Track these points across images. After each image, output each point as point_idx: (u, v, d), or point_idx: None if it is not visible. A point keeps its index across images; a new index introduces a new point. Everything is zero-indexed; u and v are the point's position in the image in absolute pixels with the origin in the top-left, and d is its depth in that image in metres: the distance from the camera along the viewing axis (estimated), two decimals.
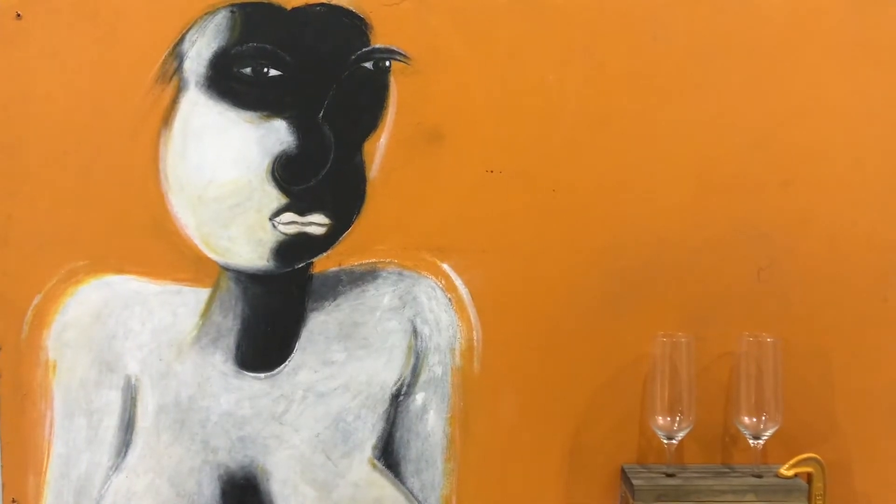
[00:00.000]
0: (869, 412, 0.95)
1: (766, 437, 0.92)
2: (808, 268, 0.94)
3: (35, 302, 0.94)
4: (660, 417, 0.92)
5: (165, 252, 0.94)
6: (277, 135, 0.93)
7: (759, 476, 0.92)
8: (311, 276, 0.94)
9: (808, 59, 0.93)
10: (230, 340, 0.94)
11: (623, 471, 0.94)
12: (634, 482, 0.90)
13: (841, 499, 0.94)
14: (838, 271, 0.94)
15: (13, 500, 0.95)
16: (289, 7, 0.92)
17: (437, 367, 0.95)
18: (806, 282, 0.94)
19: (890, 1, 0.92)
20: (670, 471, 0.92)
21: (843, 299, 0.94)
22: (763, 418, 0.92)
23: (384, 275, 0.95)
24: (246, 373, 0.95)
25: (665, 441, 0.92)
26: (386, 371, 0.95)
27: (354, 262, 0.94)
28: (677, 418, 0.91)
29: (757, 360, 0.92)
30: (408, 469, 0.96)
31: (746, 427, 0.92)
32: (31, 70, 0.92)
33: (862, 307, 0.94)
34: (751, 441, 0.92)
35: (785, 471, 0.92)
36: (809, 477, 0.93)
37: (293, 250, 0.94)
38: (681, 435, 0.91)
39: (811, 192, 0.93)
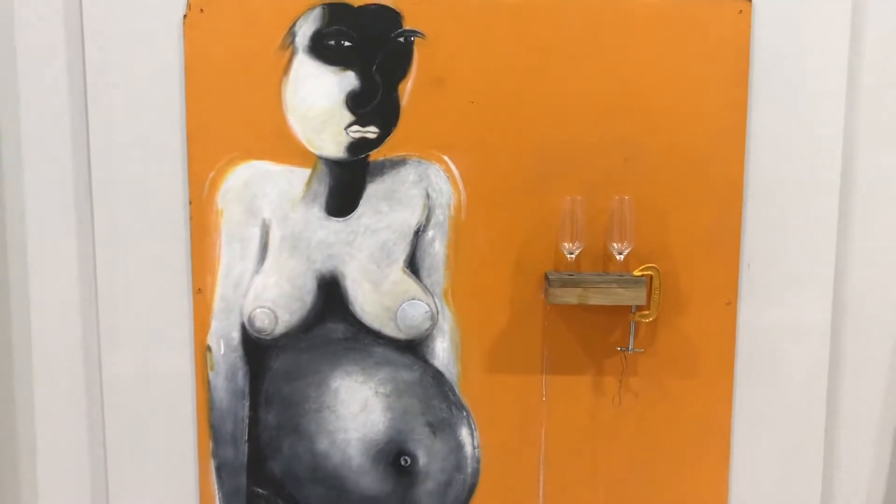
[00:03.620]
0: (687, 242, 1.61)
1: (625, 254, 1.61)
2: (654, 158, 1.59)
3: (210, 176, 1.62)
4: (566, 243, 1.61)
5: (285, 147, 1.61)
6: (349, 80, 1.60)
7: (622, 275, 1.60)
8: (368, 162, 1.62)
9: (661, 39, 1.58)
10: (322, 199, 1.63)
11: (546, 274, 1.63)
12: (550, 277, 1.59)
13: (670, 292, 1.62)
14: (672, 158, 1.58)
15: (199, 290, 1.66)
16: (356, 5, 1.58)
17: (440, 216, 1.64)
18: (652, 165, 1.59)
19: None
20: (570, 273, 1.61)
21: (674, 172, 1.58)
22: (624, 243, 1.60)
23: (410, 162, 1.63)
24: (331, 217, 1.64)
25: (568, 256, 1.61)
26: (411, 218, 1.63)
27: (393, 155, 1.62)
28: (575, 244, 1.60)
29: (620, 210, 1.58)
30: (423, 273, 1.65)
31: (615, 249, 1.61)
32: (210, 44, 1.59)
33: (686, 177, 1.58)
34: (617, 257, 1.61)
35: (636, 273, 1.61)
36: (651, 278, 1.62)
37: (358, 147, 1.62)
38: (577, 253, 1.60)
39: (657, 116, 1.59)
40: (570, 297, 1.57)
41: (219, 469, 1.68)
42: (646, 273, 1.60)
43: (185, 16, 1.59)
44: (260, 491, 1.69)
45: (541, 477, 1.68)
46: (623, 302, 1.57)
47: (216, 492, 1.69)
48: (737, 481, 1.68)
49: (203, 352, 1.66)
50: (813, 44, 1.58)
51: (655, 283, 1.61)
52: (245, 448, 1.68)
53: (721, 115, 1.59)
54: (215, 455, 1.68)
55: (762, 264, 1.63)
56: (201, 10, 1.58)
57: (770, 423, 1.67)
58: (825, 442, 1.67)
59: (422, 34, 1.58)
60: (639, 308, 1.61)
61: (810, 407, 1.66)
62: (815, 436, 1.67)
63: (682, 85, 1.59)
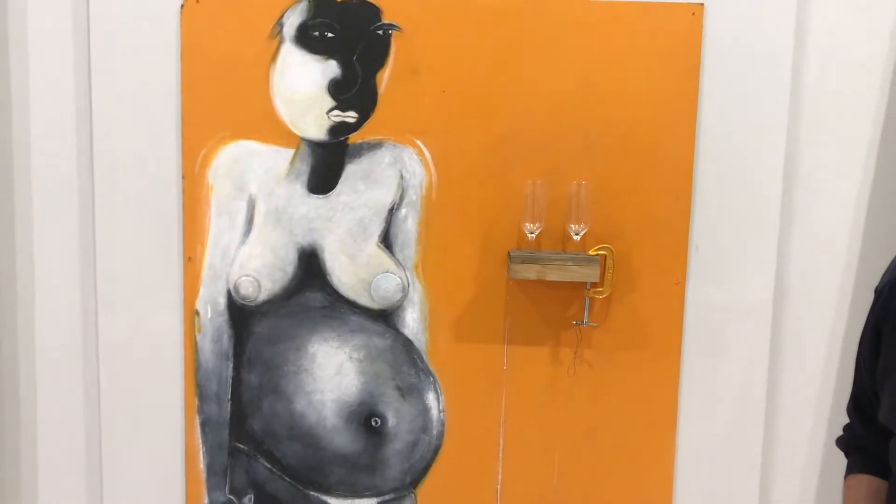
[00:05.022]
0: (640, 225, 1.74)
1: (582, 235, 1.73)
2: (611, 146, 1.72)
3: (202, 153, 1.77)
4: (528, 223, 1.74)
5: (272, 128, 1.75)
6: (331, 68, 1.74)
7: (577, 254, 1.73)
8: (347, 145, 1.76)
9: (621, 38, 1.72)
10: (305, 177, 1.77)
11: (508, 252, 1.77)
12: (512, 254, 1.72)
13: (622, 270, 1.75)
14: (627, 146, 1.71)
15: (189, 258, 1.80)
16: (338, 0, 1.73)
17: (413, 195, 1.77)
18: (609, 153, 1.72)
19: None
20: (531, 251, 1.74)
21: (629, 160, 1.71)
22: (581, 225, 1.73)
23: (386, 145, 1.76)
24: (313, 195, 1.77)
25: (529, 235, 1.74)
26: (386, 196, 1.76)
27: (370, 138, 1.76)
28: (536, 224, 1.73)
29: (578, 194, 1.72)
30: (396, 249, 1.78)
31: (572, 229, 1.73)
32: (204, 33, 1.73)
33: (640, 164, 1.71)
34: (574, 237, 1.74)
35: (591, 252, 1.75)
36: (605, 257, 1.75)
37: (338, 130, 1.75)
38: (537, 233, 1.73)
39: (615, 107, 1.72)
40: (530, 273, 1.69)
41: (203, 425, 1.83)
42: (600, 252, 1.73)
43: (182, 6, 1.73)
44: (241, 446, 1.83)
45: (501, 440, 1.82)
46: (578, 278, 1.70)
47: (200, 446, 1.83)
48: (683, 448, 1.80)
49: (192, 315, 1.80)
50: (760, 43, 1.71)
51: (609, 262, 1.74)
52: (228, 406, 1.82)
53: (674, 108, 1.72)
54: (200, 411, 1.82)
55: (709, 247, 1.76)
56: (197, 0, 1.73)
57: (714, 395, 1.79)
58: (766, 413, 1.79)
59: (399, 27, 1.72)
60: (593, 285, 1.74)
61: (752, 380, 1.79)
62: (756, 407, 1.79)
63: (639, 80, 1.72)
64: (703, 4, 1.70)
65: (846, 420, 1.81)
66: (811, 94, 1.73)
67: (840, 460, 1.80)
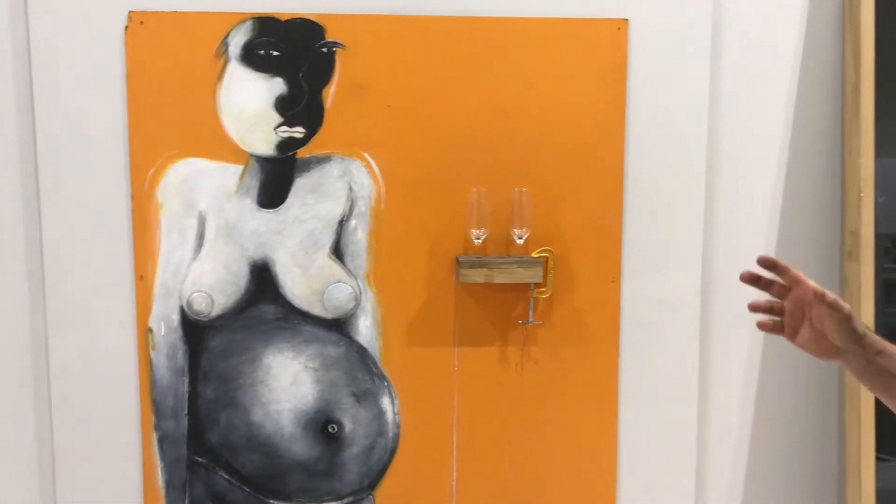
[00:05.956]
0: (577, 228, 1.85)
1: (524, 239, 1.83)
2: (548, 155, 1.83)
3: (150, 172, 1.78)
4: (474, 230, 1.82)
5: (220, 146, 1.78)
6: (277, 86, 1.78)
7: (521, 257, 1.83)
8: (296, 159, 1.81)
9: (553, 52, 1.82)
10: (255, 192, 1.80)
11: (456, 257, 1.85)
12: (460, 259, 1.80)
13: (563, 271, 1.86)
14: (563, 155, 1.83)
15: (141, 276, 1.81)
16: (283, 19, 1.77)
17: (362, 206, 1.83)
18: (546, 161, 1.83)
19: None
20: (477, 256, 1.82)
21: (565, 168, 1.83)
22: (523, 229, 1.83)
23: (334, 158, 1.82)
24: (263, 209, 1.81)
25: (475, 241, 1.82)
26: (336, 209, 1.82)
27: (318, 152, 1.82)
28: (482, 230, 1.82)
29: (519, 201, 1.81)
30: (347, 259, 1.84)
31: (515, 234, 1.83)
32: (150, 53, 1.74)
33: (575, 171, 1.83)
34: (517, 241, 1.83)
35: (533, 254, 1.84)
36: (546, 259, 1.85)
37: (286, 146, 1.80)
38: (483, 237, 1.82)
39: (550, 118, 1.82)
40: (478, 276, 1.78)
41: (161, 441, 1.84)
42: (542, 255, 1.83)
43: (126, 27, 1.74)
44: (199, 460, 1.85)
45: (454, 438, 1.90)
46: (523, 280, 1.80)
47: (158, 461, 1.84)
48: (624, 433, 1.92)
49: (145, 333, 1.81)
50: (681, 55, 1.85)
51: (550, 263, 1.84)
52: (185, 421, 1.84)
53: (604, 118, 1.84)
54: (157, 428, 1.83)
55: (641, 247, 1.89)
56: (141, 22, 1.74)
57: (651, 384, 1.92)
58: (699, 397, 1.93)
59: (342, 45, 1.78)
60: (536, 285, 1.84)
61: (685, 367, 1.92)
62: (689, 392, 1.92)
63: (572, 91, 1.83)
64: (627, 20, 1.82)
65: (772, 401, 1.98)
66: (728, 102, 1.88)
67: (768, 440, 1.97)
